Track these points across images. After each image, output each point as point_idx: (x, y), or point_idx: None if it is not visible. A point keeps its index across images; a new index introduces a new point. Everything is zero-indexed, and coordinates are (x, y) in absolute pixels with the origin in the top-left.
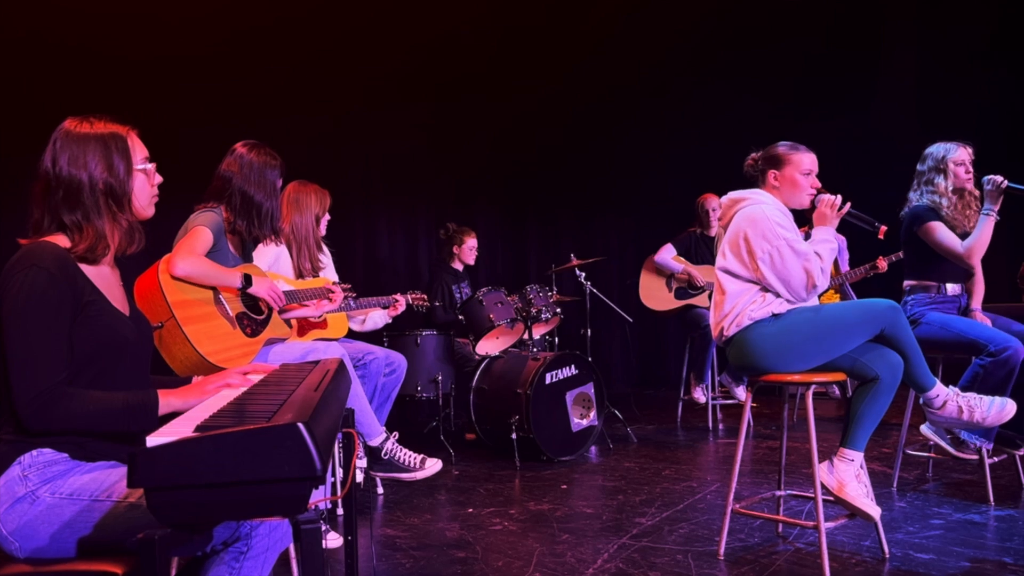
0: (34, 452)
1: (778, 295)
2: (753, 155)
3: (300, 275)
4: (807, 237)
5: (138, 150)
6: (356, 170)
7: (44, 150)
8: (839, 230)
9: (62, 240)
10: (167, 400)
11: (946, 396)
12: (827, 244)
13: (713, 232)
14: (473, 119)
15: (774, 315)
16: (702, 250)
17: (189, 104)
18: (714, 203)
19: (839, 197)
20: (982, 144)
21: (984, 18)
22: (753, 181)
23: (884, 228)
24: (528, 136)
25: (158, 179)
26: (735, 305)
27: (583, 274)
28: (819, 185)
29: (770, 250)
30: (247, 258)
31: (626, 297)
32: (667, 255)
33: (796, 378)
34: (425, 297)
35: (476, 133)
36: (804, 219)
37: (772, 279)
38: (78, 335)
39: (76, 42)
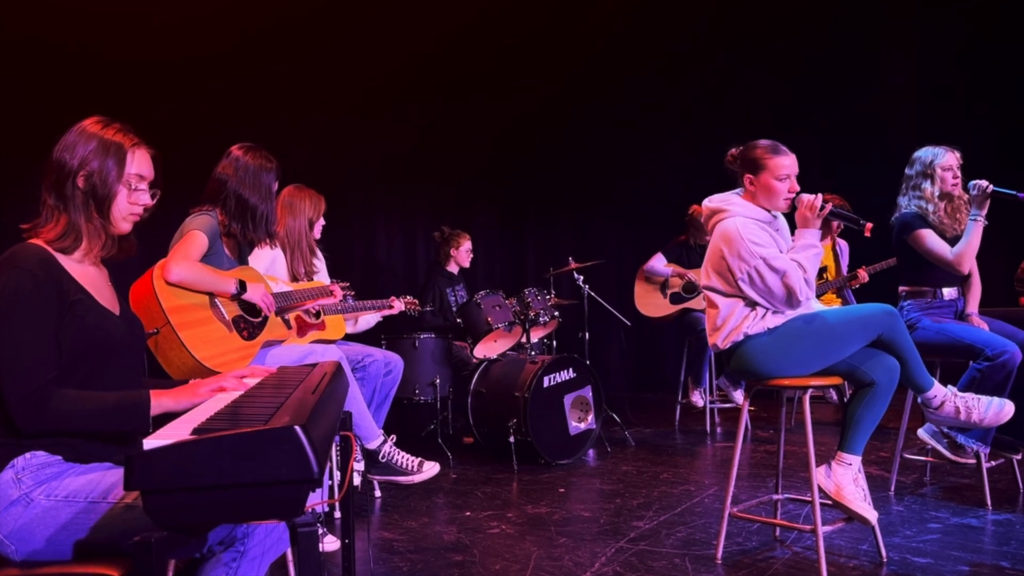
0: (27, 455)
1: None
2: (732, 151)
3: (294, 279)
4: None
5: (136, 166)
6: (355, 170)
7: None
8: (841, 235)
9: (46, 233)
10: (159, 400)
11: (944, 396)
12: (810, 250)
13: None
14: (473, 119)
15: (769, 329)
16: (693, 256)
17: (189, 105)
18: None
19: (819, 197)
20: (981, 146)
21: (984, 18)
22: (734, 177)
23: (870, 225)
24: (528, 136)
25: (146, 202)
26: (727, 319)
27: (581, 277)
28: (798, 189)
29: (748, 270)
30: (242, 261)
31: (624, 301)
32: (657, 263)
33: (793, 382)
34: (417, 302)
35: (476, 133)
36: None
37: (756, 297)
38: (66, 334)
39: (76, 43)
